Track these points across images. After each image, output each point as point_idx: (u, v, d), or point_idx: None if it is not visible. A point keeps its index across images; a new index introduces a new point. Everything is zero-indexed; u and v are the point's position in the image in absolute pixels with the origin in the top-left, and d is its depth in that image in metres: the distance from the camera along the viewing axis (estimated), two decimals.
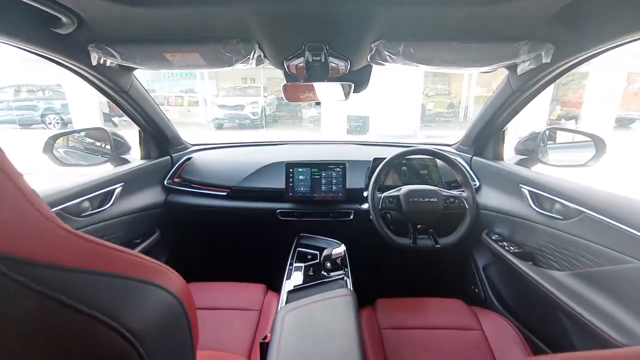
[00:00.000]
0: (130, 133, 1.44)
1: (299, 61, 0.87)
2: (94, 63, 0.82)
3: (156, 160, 1.41)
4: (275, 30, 0.76)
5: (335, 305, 0.87)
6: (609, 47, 0.74)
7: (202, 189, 1.43)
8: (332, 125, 9.11)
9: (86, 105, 8.53)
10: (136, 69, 1.06)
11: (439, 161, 1.37)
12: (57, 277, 0.23)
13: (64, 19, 0.66)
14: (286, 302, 0.95)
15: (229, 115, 10.25)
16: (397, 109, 8.46)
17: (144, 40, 0.80)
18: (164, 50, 0.82)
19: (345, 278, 1.06)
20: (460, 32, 0.76)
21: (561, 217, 0.95)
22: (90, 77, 1.00)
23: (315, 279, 1.07)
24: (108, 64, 0.85)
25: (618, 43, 0.71)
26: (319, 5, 0.64)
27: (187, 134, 1.66)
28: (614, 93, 8.57)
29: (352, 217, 1.38)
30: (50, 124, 9.75)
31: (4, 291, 0.20)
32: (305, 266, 1.12)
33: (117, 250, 0.31)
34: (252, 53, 0.82)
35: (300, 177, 1.36)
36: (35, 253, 0.22)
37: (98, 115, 9.06)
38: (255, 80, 12.03)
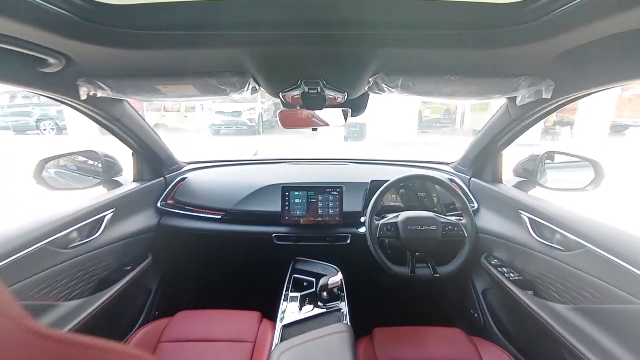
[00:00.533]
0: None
1: (296, 93, 0.85)
2: (84, 97, 0.80)
3: (149, 183, 1.37)
4: (271, 68, 0.74)
5: (331, 344, 0.84)
6: (607, 88, 0.73)
7: (197, 212, 1.40)
8: (330, 132, 9.10)
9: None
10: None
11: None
12: None
13: (51, 60, 0.64)
14: (282, 338, 0.92)
15: (226, 121, 10.24)
16: (394, 115, 8.49)
17: (135, 75, 0.78)
18: (156, 83, 0.80)
19: (342, 309, 1.04)
20: (460, 69, 0.74)
21: (562, 248, 0.93)
22: (81, 108, 0.97)
23: (311, 310, 1.04)
24: (99, 96, 0.82)
25: (616, 85, 0.70)
26: (315, 47, 0.62)
27: (185, 141, 1.63)
28: (608, 100, 8.66)
29: (349, 241, 1.36)
30: (45, 130, 9.67)
31: None
32: (301, 296, 1.10)
33: (87, 348, 0.28)
34: (247, 85, 0.80)
35: (297, 200, 1.34)
36: None
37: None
38: None
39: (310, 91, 0.81)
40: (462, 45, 0.61)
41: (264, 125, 10.83)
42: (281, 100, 0.94)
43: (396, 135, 8.55)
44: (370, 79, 0.80)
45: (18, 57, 0.61)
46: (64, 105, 0.94)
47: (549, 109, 0.95)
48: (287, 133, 11.21)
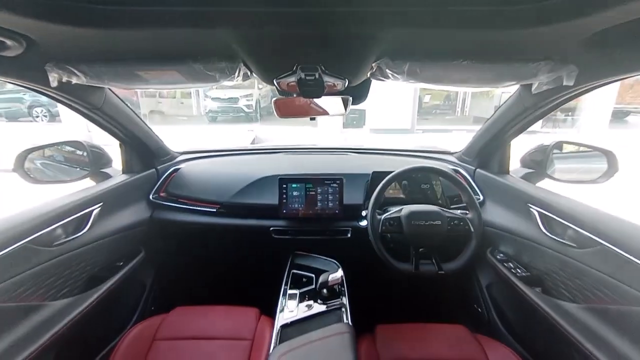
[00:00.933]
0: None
1: (291, 80, 0.77)
2: (54, 84, 0.72)
3: (140, 175, 1.31)
4: (263, 52, 0.66)
5: (331, 346, 0.81)
6: (635, 74, 0.66)
7: (191, 205, 1.34)
8: (329, 119, 8.97)
9: None
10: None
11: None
12: None
13: (8, 42, 0.56)
14: (280, 339, 0.89)
15: (223, 108, 10.07)
16: (394, 101, 8.35)
17: (110, 59, 0.69)
18: (136, 69, 0.72)
19: (343, 308, 1.00)
20: (472, 52, 0.67)
21: (575, 245, 0.88)
22: (55, 96, 0.89)
23: (311, 307, 1.00)
24: (74, 82, 0.74)
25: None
26: (311, 27, 0.54)
27: (180, 131, 1.56)
28: (610, 86, 8.53)
29: (349, 235, 1.31)
30: (37, 117, 9.49)
31: None
32: (300, 293, 1.06)
33: None
34: (238, 71, 0.72)
35: (295, 192, 1.28)
36: None
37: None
38: None
39: (307, 77, 0.73)
40: (476, 24, 0.53)
41: (261, 112, 10.66)
42: (276, 87, 0.87)
43: (396, 122, 8.43)
44: (373, 64, 0.72)
45: None
46: None
47: (566, 97, 0.88)
48: (285, 122, 11.06)
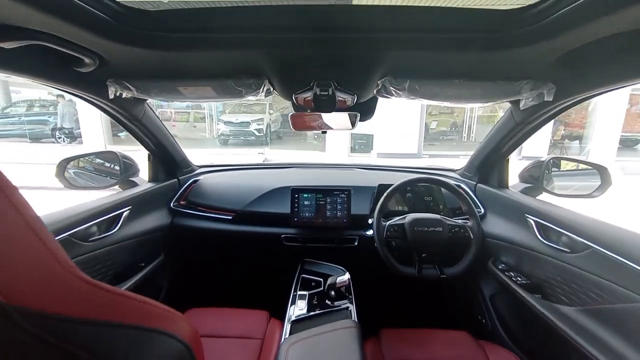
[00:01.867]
0: (135, 148, 1.46)
1: (307, 95, 0.90)
2: (111, 97, 0.86)
3: (164, 184, 1.43)
4: (286, 70, 0.79)
5: (339, 338, 0.85)
6: (608, 89, 0.76)
7: (208, 212, 1.44)
8: (336, 143, 9.19)
9: (95, 120, 8.74)
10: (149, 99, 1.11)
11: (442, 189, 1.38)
12: (71, 330, 0.24)
13: (86, 60, 0.70)
14: (290, 333, 0.94)
15: (234, 131, 10.40)
16: (401, 127, 8.54)
17: (159, 77, 0.84)
18: (178, 85, 0.86)
19: (350, 307, 1.05)
20: (464, 72, 0.79)
21: (569, 250, 0.94)
22: (106, 108, 1.04)
23: (319, 308, 1.06)
24: (124, 96, 0.88)
25: (618, 87, 0.73)
26: (328, 49, 0.67)
27: (194, 154, 1.68)
28: (617, 114, 8.62)
29: (356, 243, 1.38)
30: (60, 138, 9.95)
31: (18, 343, 0.21)
32: (309, 294, 1.12)
33: (130, 298, 0.32)
34: (262, 87, 0.85)
35: (306, 202, 1.37)
36: (51, 305, 0.23)
37: (106, 130, 9.24)
38: None
39: (322, 92, 0.86)
40: (466, 48, 0.65)
41: (271, 136, 10.97)
42: (293, 103, 0.99)
43: (403, 147, 8.58)
44: (378, 82, 0.84)
45: (56, 56, 0.67)
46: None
47: (552, 112, 0.98)
48: (294, 144, 11.36)
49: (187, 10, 0.62)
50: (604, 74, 0.73)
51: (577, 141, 9.89)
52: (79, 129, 9.30)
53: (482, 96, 0.87)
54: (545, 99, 0.81)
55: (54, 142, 9.84)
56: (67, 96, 9.70)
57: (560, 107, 0.93)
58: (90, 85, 0.87)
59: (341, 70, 0.79)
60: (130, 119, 1.13)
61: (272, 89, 0.89)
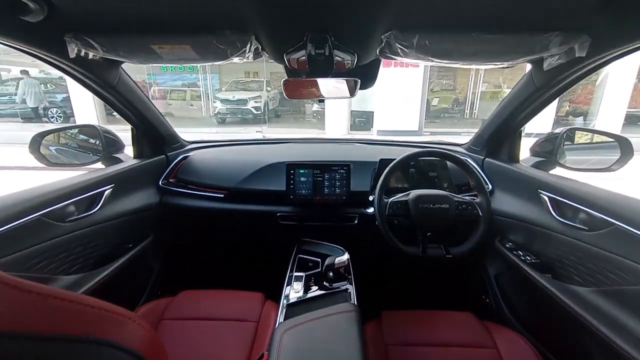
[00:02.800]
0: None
1: (301, 54, 0.78)
2: (72, 55, 0.74)
3: (150, 160, 1.33)
4: (273, 19, 0.67)
5: (337, 323, 0.80)
6: None
7: (199, 190, 1.36)
8: (336, 120, 9.00)
9: (88, 98, 8.49)
10: (123, 62, 0.98)
11: (448, 163, 1.29)
12: None
13: (31, 5, 0.58)
14: (285, 317, 0.89)
15: (231, 109, 10.17)
16: (402, 104, 8.33)
17: (127, 31, 0.71)
18: (151, 42, 0.74)
19: (349, 289, 1.00)
20: (482, 22, 0.66)
21: (586, 228, 0.86)
22: (71, 71, 0.92)
23: (316, 290, 1.00)
24: (90, 56, 0.76)
25: None
26: None
27: (190, 133, 1.59)
28: (624, 89, 8.37)
29: (356, 221, 1.31)
30: (52, 117, 9.73)
31: None
32: (306, 275, 1.06)
33: (57, 298, 0.24)
34: (249, 45, 0.73)
35: (302, 178, 1.29)
36: None
37: (99, 109, 9.00)
38: (258, 74, 11.88)
39: (317, 52, 0.74)
40: None
41: (269, 114, 10.75)
42: (286, 66, 0.88)
43: (404, 124, 8.41)
44: (382, 37, 0.72)
45: None
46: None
47: (580, 72, 0.86)
48: (293, 123, 11.16)
49: None
50: None
51: (582, 118, 9.68)
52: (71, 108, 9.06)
53: (502, 53, 0.75)
54: (576, 55, 0.69)
55: (47, 122, 9.62)
56: (32, 73, 9.46)
57: (591, 65, 0.81)
58: (43, 41, 0.75)
59: (338, 20, 0.66)
60: (102, 85, 1.01)
61: (260, 48, 0.77)
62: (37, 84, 9.24)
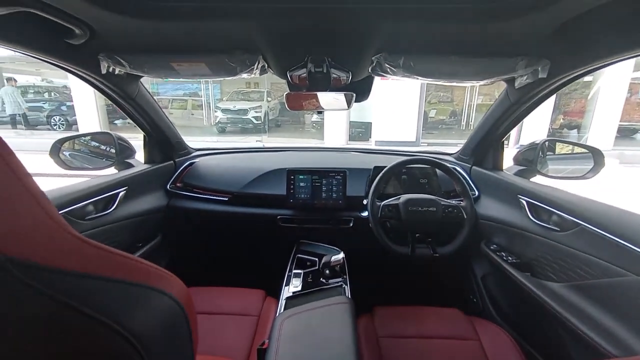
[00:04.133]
0: (132, 136, 1.47)
1: (302, 72, 0.89)
2: (104, 72, 0.85)
3: (159, 165, 1.43)
4: (279, 43, 0.78)
5: (332, 313, 0.88)
6: (604, 63, 0.75)
7: (204, 194, 1.44)
8: (335, 131, 9.14)
9: (91, 107, 8.63)
10: (143, 76, 1.09)
11: (439, 170, 1.39)
12: (66, 282, 0.25)
13: (77, 31, 0.68)
14: (284, 309, 0.96)
15: (232, 119, 10.31)
16: (400, 115, 8.47)
17: (151, 51, 0.82)
18: (171, 60, 0.85)
19: (344, 285, 1.07)
20: (459, 47, 0.78)
21: (558, 229, 0.96)
22: (99, 84, 1.03)
23: (314, 286, 1.08)
24: (117, 72, 0.87)
25: (613, 60, 0.73)
26: (321, 21, 0.66)
27: (191, 141, 1.69)
28: (616, 103, 8.58)
29: (352, 224, 1.39)
30: (55, 125, 9.85)
31: (11, 292, 0.22)
32: (304, 273, 1.14)
33: (123, 256, 0.33)
34: (257, 63, 0.84)
35: (301, 184, 1.38)
36: (45, 258, 0.24)
37: (102, 117, 9.14)
38: (259, 85, 12.10)
39: (316, 70, 0.85)
40: (460, 18, 0.64)
41: (269, 124, 10.90)
42: (288, 81, 0.98)
43: (401, 135, 8.54)
44: (373, 58, 0.83)
45: (46, 26, 0.66)
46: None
47: (547, 90, 0.97)
48: (293, 132, 11.30)
49: None
50: (601, 46, 0.72)
51: (576, 130, 9.87)
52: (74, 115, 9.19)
53: (477, 73, 0.87)
54: (539, 76, 0.81)
55: (49, 129, 9.74)
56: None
57: (555, 84, 0.93)
58: (81, 59, 0.85)
59: (335, 44, 0.78)
60: (124, 97, 1.12)
61: (266, 65, 0.88)
62: (17, 92, 9.42)
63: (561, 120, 10.15)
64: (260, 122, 10.39)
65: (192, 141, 1.71)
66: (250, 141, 9.37)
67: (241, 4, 0.61)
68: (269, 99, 11.26)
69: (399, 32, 0.72)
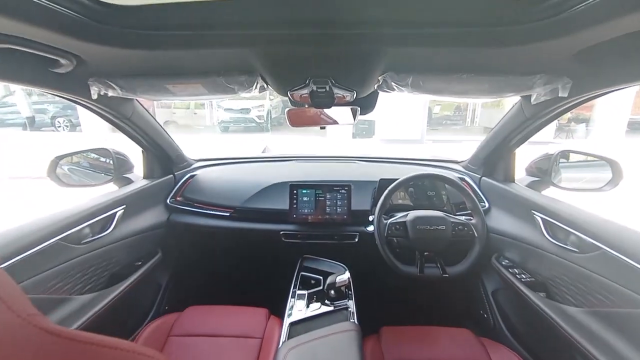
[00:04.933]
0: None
1: (304, 92, 0.84)
2: (94, 97, 0.81)
3: (159, 180, 1.39)
4: (279, 67, 0.73)
5: (338, 342, 0.84)
6: (623, 87, 0.70)
7: (205, 209, 1.41)
8: (338, 129, 9.08)
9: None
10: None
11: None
12: None
13: (62, 61, 0.64)
14: (289, 335, 0.93)
15: (235, 118, 10.32)
16: (403, 112, 8.39)
17: (144, 74, 0.78)
18: (165, 83, 0.80)
19: (349, 308, 1.04)
20: (472, 67, 0.72)
21: (577, 250, 0.90)
22: (94, 108, 0.99)
23: (318, 307, 1.04)
24: (110, 95, 0.83)
25: (635, 84, 0.68)
26: (323, 46, 0.61)
27: (193, 140, 1.65)
28: (625, 96, 8.39)
29: (357, 239, 1.35)
30: (59, 126, 9.91)
31: None
32: (308, 294, 1.10)
33: (96, 345, 0.28)
34: (255, 84, 0.79)
35: (305, 198, 1.34)
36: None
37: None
38: None
39: (319, 90, 0.80)
40: (473, 43, 0.59)
41: (272, 122, 10.86)
42: (289, 99, 0.94)
43: (405, 132, 8.46)
44: (379, 77, 0.78)
45: (30, 58, 0.62)
46: (78, 106, 0.97)
47: (565, 107, 0.92)
48: (295, 131, 11.24)
49: (167, 5, 0.56)
50: (621, 71, 0.67)
51: (584, 124, 9.70)
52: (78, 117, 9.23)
53: (490, 91, 0.81)
54: (559, 95, 0.75)
55: (53, 131, 9.80)
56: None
57: (573, 102, 0.87)
58: (71, 86, 0.81)
59: (338, 67, 0.73)
60: (119, 117, 1.08)
61: (265, 85, 0.83)
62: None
63: (569, 114, 9.98)
64: (262, 120, 10.37)
65: (196, 140, 1.67)
66: (254, 139, 9.33)
67: (237, 31, 0.57)
68: (272, 97, 11.21)
69: (407, 56, 0.67)
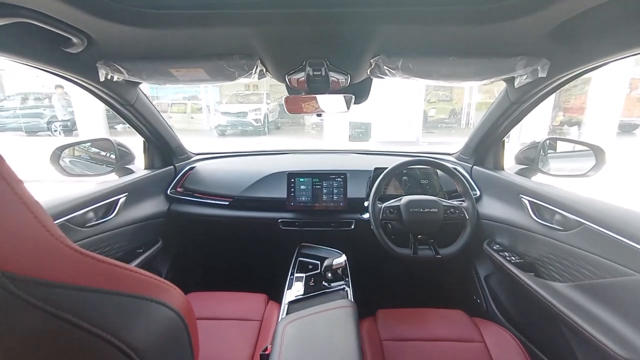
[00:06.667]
0: (132, 140, 1.47)
1: (300, 75, 0.89)
2: (102, 79, 0.85)
3: (160, 170, 1.43)
4: (277, 47, 0.78)
5: (335, 317, 0.87)
6: (603, 62, 0.75)
7: (205, 199, 1.44)
8: (334, 132, 9.15)
9: (91, 113, 8.65)
10: (142, 83, 1.09)
11: (439, 171, 1.38)
12: (62, 296, 0.24)
13: (74, 40, 0.68)
14: (287, 313, 0.96)
15: (231, 122, 10.32)
16: (399, 115, 8.48)
17: (150, 57, 0.82)
18: (169, 67, 0.85)
19: (346, 288, 1.07)
20: (457, 48, 0.78)
21: (561, 228, 0.95)
22: (98, 92, 1.03)
23: (316, 290, 1.07)
24: (115, 79, 0.87)
25: (612, 59, 0.73)
26: (318, 25, 0.66)
27: (190, 143, 1.68)
28: (616, 99, 8.56)
29: (353, 226, 1.39)
30: (55, 131, 9.87)
31: (9, 308, 0.21)
32: (306, 276, 1.13)
33: (122, 268, 0.32)
34: (255, 68, 0.84)
35: (302, 186, 1.38)
36: (41, 272, 0.23)
37: (103, 122, 9.15)
38: (258, 87, 12.11)
39: (315, 73, 0.85)
40: (457, 20, 0.64)
41: (269, 126, 10.92)
42: (286, 84, 0.98)
43: (401, 135, 8.54)
44: (371, 61, 0.83)
45: (43, 36, 0.66)
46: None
47: (547, 89, 0.97)
48: (292, 134, 11.31)
49: None
50: (600, 45, 0.72)
51: (576, 127, 9.85)
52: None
53: (476, 74, 0.86)
54: (539, 75, 0.80)
55: (49, 135, 9.76)
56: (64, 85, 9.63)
57: (555, 83, 0.92)
58: (80, 67, 0.86)
59: (333, 48, 0.78)
60: (122, 103, 1.12)
61: (264, 69, 0.88)
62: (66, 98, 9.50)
63: (561, 117, 10.14)
64: (260, 124, 10.40)
65: (193, 143, 1.71)
66: (250, 143, 9.37)
67: (238, 10, 0.61)
68: (268, 101, 11.28)
69: (397, 35, 0.72)
